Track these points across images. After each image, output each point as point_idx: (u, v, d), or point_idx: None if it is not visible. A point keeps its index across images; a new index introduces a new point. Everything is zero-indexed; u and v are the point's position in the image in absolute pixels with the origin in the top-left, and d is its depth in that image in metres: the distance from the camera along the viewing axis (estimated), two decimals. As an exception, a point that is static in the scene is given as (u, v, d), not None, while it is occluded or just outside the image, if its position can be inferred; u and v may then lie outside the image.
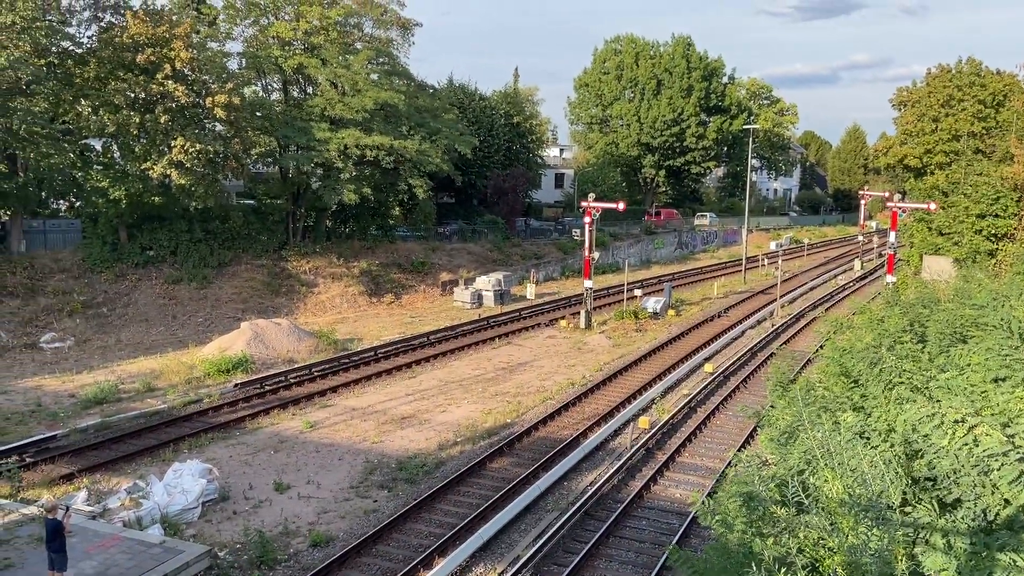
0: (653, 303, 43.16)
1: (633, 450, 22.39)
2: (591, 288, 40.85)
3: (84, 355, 32.17)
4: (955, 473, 6.08)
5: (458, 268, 50.90)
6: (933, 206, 44.80)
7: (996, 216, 43.37)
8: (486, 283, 45.68)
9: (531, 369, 32.15)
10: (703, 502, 6.48)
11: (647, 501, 19.88)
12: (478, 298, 45.01)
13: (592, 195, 41.71)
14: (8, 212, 38.49)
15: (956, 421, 6.34)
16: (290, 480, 20.10)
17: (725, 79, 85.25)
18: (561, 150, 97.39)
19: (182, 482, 18.34)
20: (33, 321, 34.46)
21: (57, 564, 13.72)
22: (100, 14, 37.94)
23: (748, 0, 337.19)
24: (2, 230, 40.06)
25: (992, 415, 6.37)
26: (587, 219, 40.32)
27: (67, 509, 14.33)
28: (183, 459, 20.34)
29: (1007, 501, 5.83)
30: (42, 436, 21.98)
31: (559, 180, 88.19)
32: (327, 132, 41.72)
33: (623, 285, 46.37)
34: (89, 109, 36.64)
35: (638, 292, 45.87)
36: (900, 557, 5.15)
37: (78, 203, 41.43)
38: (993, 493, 5.89)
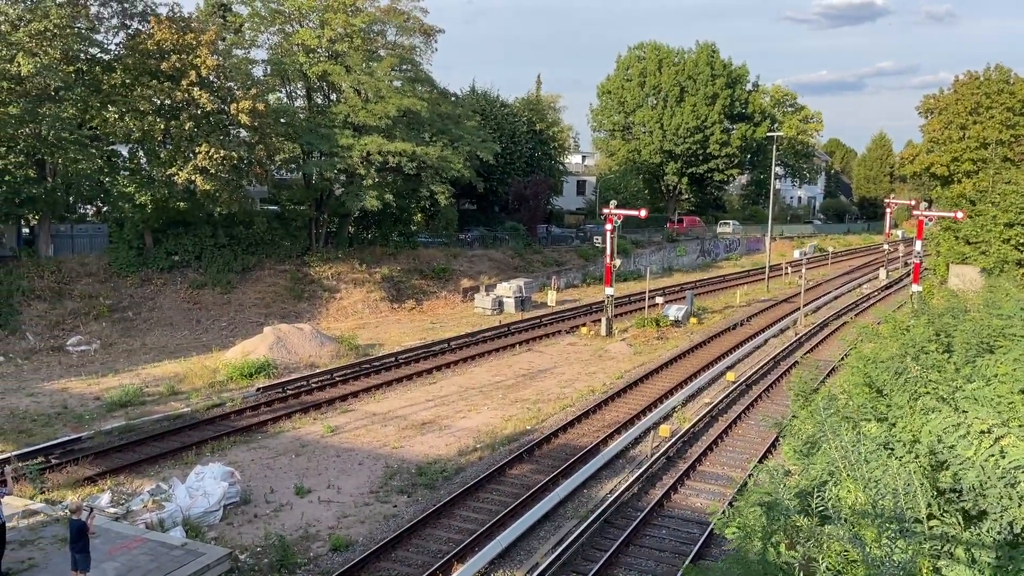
0: (675, 311, 42.93)
1: (653, 458, 22.25)
2: (612, 295, 40.73)
3: (109, 358, 32.55)
4: (981, 485, 5.97)
5: (479, 275, 50.97)
6: (960, 215, 44.29)
7: (1025, 225, 42.75)
8: (507, 290, 45.68)
9: (551, 376, 32.08)
10: (722, 512, 6.41)
11: (667, 510, 19.74)
12: (499, 304, 45.02)
13: (614, 202, 41.65)
14: (36, 217, 39.10)
15: (982, 432, 6.24)
16: (311, 484, 20.18)
17: (749, 86, 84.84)
18: (583, 157, 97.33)
19: (204, 485, 18.47)
20: (60, 324, 34.94)
21: (80, 564, 13.85)
22: (128, 21, 38.50)
23: (773, 7, 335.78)
24: (30, 234, 40.71)
25: (1019, 426, 6.26)
26: (608, 226, 40.23)
27: (91, 510, 14.46)
28: (205, 462, 20.48)
29: (1034, 514, 5.71)
30: (67, 438, 22.27)
31: (581, 187, 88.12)
32: (350, 139, 41.99)
33: (644, 292, 46.19)
34: (116, 115, 37.15)
35: (659, 300, 45.68)
36: (924, 570, 5.07)
37: (105, 208, 42.01)
38: (1020, 506, 5.78)
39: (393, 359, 32.87)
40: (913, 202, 77.23)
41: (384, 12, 45.96)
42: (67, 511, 15.30)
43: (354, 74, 43.48)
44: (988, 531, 5.73)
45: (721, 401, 28.48)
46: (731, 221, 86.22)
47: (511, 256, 56.12)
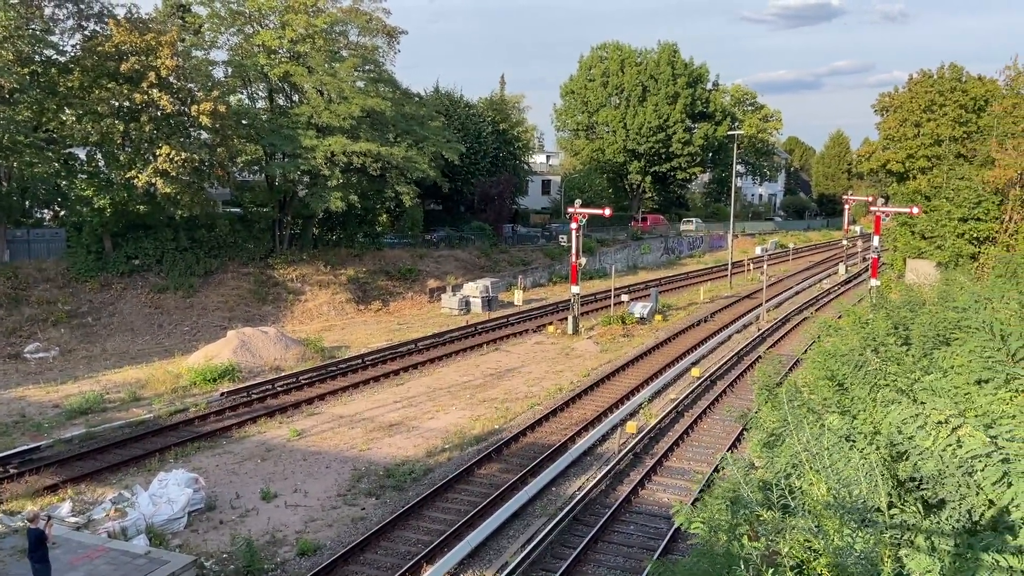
0: (640, 308, 43.26)
1: (621, 455, 22.41)
2: (578, 294, 40.91)
3: (69, 365, 31.92)
4: (940, 474, 6.12)
5: (446, 275, 50.87)
6: (916, 210, 45.16)
7: (978, 220, 43.77)
8: (474, 289, 45.66)
9: (519, 375, 32.14)
10: (685, 509, 6.49)
11: (635, 506, 19.89)
12: (466, 305, 44.97)
13: (579, 201, 41.85)
14: (-9, 221, 38.19)
15: (940, 423, 6.39)
16: (277, 489, 20.00)
17: (710, 85, 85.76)
18: (548, 157, 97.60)
19: (168, 492, 18.20)
20: (17, 331, 34.16)
21: (40, 574, 13.58)
22: (84, 23, 37.74)
23: (731, 8, 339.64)
24: (-15, 240, 39.74)
25: (975, 416, 6.43)
26: (574, 225, 40.40)
27: (48, 518, 14.20)
28: (169, 469, 20.21)
29: (991, 502, 5.87)
30: (26, 447, 21.78)
31: (546, 186, 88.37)
32: (314, 139, 41.65)
33: (610, 290, 46.47)
34: (73, 118, 36.42)
35: (625, 297, 45.98)
36: (886, 559, 5.18)
37: (62, 212, 41.14)
38: (977, 494, 5.93)
39: (360, 361, 32.68)
40: (870, 198, 78.73)
41: (346, 13, 45.65)
42: (24, 520, 14.99)
43: (316, 75, 43.12)
44: (947, 519, 5.87)
45: (687, 397, 28.76)
46: (694, 219, 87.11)
47: (477, 256, 56.09)
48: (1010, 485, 5.78)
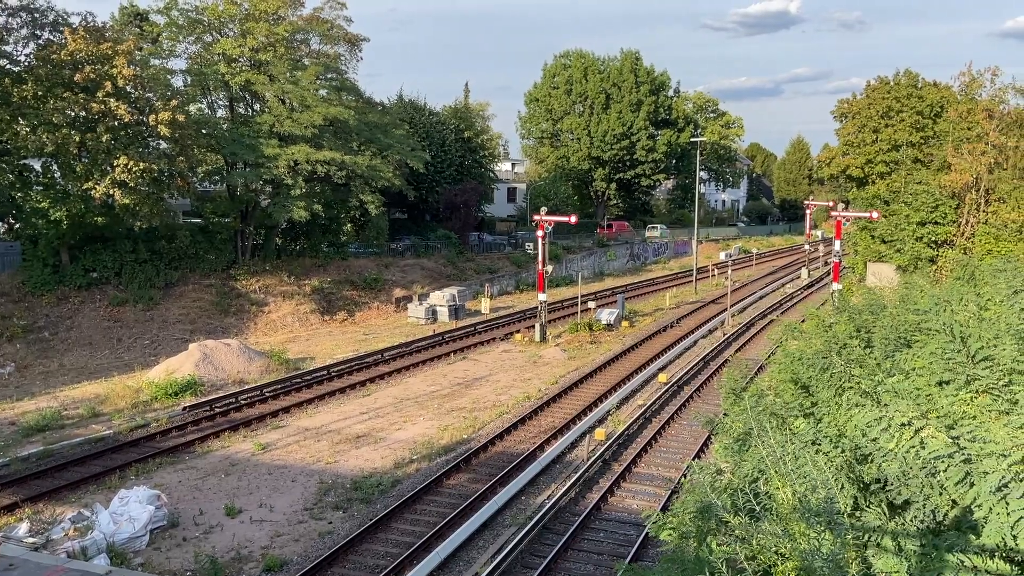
0: (607, 315, 43.41)
1: (590, 462, 22.40)
2: (545, 301, 40.94)
3: (25, 381, 31.15)
4: (903, 476, 6.16)
5: (412, 284, 50.62)
6: (875, 215, 45.98)
7: (936, 223, 44.68)
8: (440, 298, 45.48)
9: (487, 384, 32.03)
10: (656, 516, 6.46)
11: (605, 513, 19.88)
12: (432, 314, 44.77)
13: (544, 209, 41.92)
14: (-58, 235, 37.24)
15: (903, 424, 6.44)
16: (242, 504, 19.66)
17: (672, 93, 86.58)
18: (513, 164, 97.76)
19: (129, 509, 17.80)
20: (-30, 347, 33.28)
21: (-5, 599, 13.19)
22: (38, 31, 36.97)
23: (692, 16, 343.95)
24: (-64, 254, 38.71)
25: (937, 418, 6.49)
26: (540, 233, 40.45)
27: (1, 536, 13.79)
28: (130, 485, 19.77)
29: (954, 502, 5.92)
30: (-20, 466, 21.20)
31: (511, 194, 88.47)
32: (276, 148, 41.24)
33: (577, 297, 46.58)
34: (27, 128, 35.59)
35: (592, 304, 46.12)
36: (852, 561, 5.19)
37: (17, 225, 40.18)
38: (941, 494, 5.99)
39: (325, 372, 32.33)
40: (831, 203, 79.98)
41: (307, 21, 45.34)
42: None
43: (278, 83, 42.75)
44: (912, 520, 5.92)
45: (655, 403, 28.87)
46: (659, 225, 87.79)
47: (443, 264, 55.92)
48: (972, 485, 5.84)
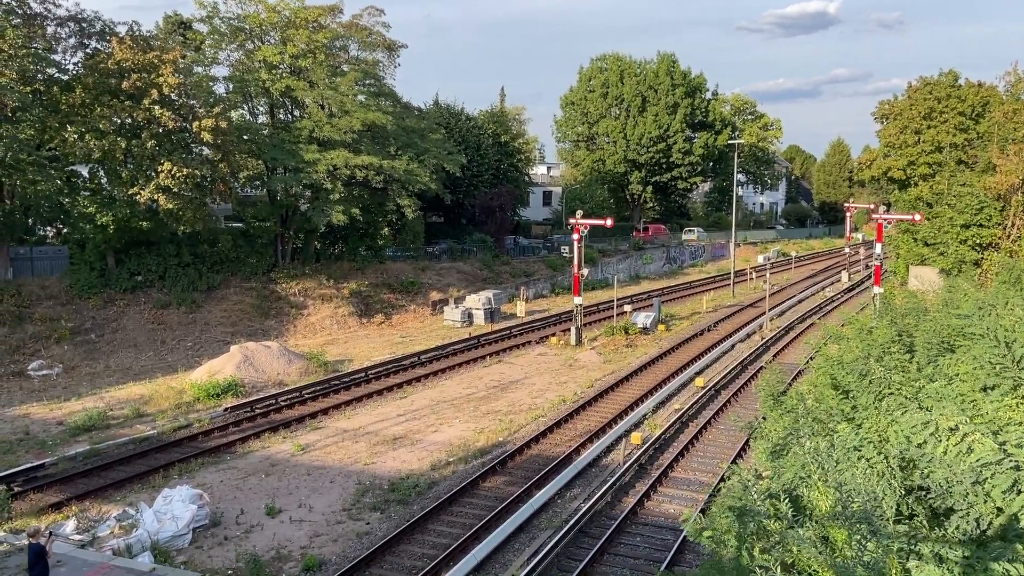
0: (643, 318, 43.21)
1: (626, 466, 22.32)
2: (581, 304, 40.89)
3: (72, 382, 31.92)
4: (947, 482, 6.09)
5: (448, 287, 50.88)
6: (918, 217, 45.18)
7: (980, 226, 43.76)
8: (476, 301, 45.65)
9: (522, 387, 32.08)
10: (694, 519, 6.46)
11: (641, 517, 19.80)
12: (468, 317, 44.96)
13: (580, 212, 41.85)
14: (-6, 240, 38.28)
15: (950, 429, 6.36)
16: (282, 504, 19.94)
17: (708, 95, 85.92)
18: (548, 168, 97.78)
19: (172, 508, 18.15)
20: (20, 349, 34.18)
21: (42, 591, 13.54)
22: (86, 41, 37.95)
23: (726, 20, 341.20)
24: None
25: (983, 424, 6.40)
26: (575, 236, 40.41)
27: (51, 534, 14.16)
28: (173, 485, 20.14)
29: (1000, 510, 5.83)
30: (30, 465, 21.75)
31: (547, 198, 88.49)
32: (315, 153, 41.78)
33: (612, 301, 46.44)
34: (75, 135, 36.56)
35: (628, 308, 45.93)
36: (894, 569, 5.14)
37: (65, 229, 41.26)
38: (986, 502, 5.90)
39: (363, 374, 32.64)
40: (872, 206, 78.74)
41: (347, 28, 45.88)
42: (26, 536, 14.95)
43: (318, 89, 43.30)
44: (956, 528, 5.84)
45: (691, 407, 28.67)
46: (696, 228, 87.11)
47: (479, 268, 56.11)
48: (1020, 493, 5.74)
